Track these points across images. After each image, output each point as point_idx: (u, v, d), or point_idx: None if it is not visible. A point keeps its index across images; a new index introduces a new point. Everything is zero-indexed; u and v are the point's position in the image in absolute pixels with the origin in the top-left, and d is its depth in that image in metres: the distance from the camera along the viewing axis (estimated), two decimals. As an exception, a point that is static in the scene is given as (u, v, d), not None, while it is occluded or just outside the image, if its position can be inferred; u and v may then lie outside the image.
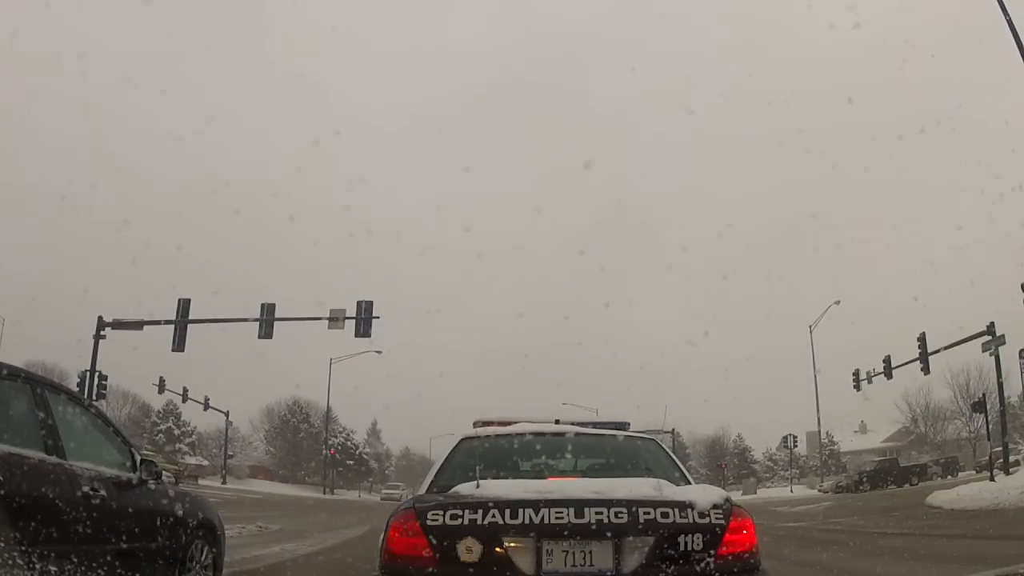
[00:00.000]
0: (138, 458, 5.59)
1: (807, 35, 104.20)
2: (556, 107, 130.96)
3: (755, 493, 51.46)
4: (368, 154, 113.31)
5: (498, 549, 3.41)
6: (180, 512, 5.83)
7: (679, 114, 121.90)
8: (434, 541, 3.42)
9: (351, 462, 72.63)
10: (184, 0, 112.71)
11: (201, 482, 45.29)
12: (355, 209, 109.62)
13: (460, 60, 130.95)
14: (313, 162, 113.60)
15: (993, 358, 28.99)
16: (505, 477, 4.01)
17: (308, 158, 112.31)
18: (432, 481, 4.31)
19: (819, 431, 54.35)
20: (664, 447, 5.02)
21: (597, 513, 3.45)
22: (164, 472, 6.80)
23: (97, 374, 30.09)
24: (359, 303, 30.40)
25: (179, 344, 29.86)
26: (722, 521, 3.54)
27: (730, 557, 3.51)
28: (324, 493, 59.01)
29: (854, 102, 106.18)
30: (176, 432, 60.66)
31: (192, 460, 50.07)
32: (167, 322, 30.08)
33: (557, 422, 5.29)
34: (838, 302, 45.10)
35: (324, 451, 63.78)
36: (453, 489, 3.77)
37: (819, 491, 45.33)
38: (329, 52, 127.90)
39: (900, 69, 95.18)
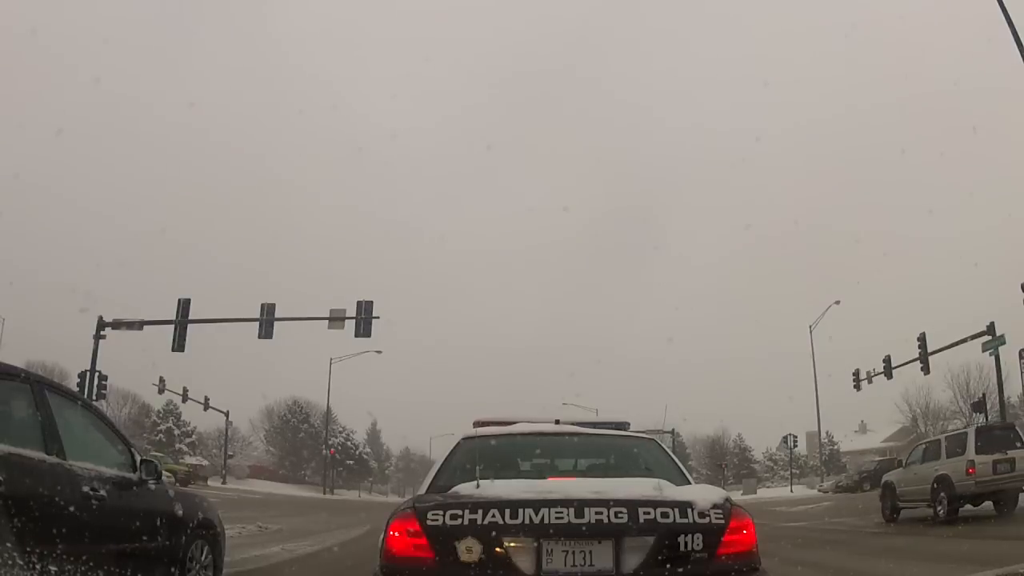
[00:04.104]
0: (138, 458, 5.59)
1: (819, 37, 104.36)
2: (556, 108, 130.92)
3: (755, 493, 51.39)
4: (369, 154, 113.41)
5: (498, 549, 3.40)
6: (180, 512, 5.83)
7: (681, 114, 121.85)
8: (434, 541, 3.42)
9: (351, 462, 72.57)
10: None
11: (210, 482, 45.34)
12: (355, 210, 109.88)
13: (461, 61, 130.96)
14: (314, 161, 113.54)
15: (993, 358, 28.96)
16: (505, 477, 4.00)
17: (309, 158, 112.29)
18: (432, 481, 4.31)
19: (819, 431, 54.31)
20: (664, 447, 5.02)
21: (597, 513, 3.45)
22: (166, 472, 6.80)
23: (97, 374, 30.03)
24: (359, 303, 30.37)
25: (179, 344, 29.83)
26: (722, 521, 3.54)
27: (730, 557, 3.51)
28: (324, 493, 58.96)
29: (860, 103, 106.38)
30: (176, 432, 60.55)
31: (192, 460, 49.94)
32: (167, 322, 30.07)
33: (557, 422, 5.28)
34: (838, 302, 45.04)
35: (324, 451, 63.73)
36: (453, 489, 3.77)
37: (819, 491, 45.28)
38: (330, 51, 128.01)
39: (905, 75, 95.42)
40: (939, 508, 15.65)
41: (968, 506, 15.64)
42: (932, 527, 14.92)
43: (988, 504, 15.74)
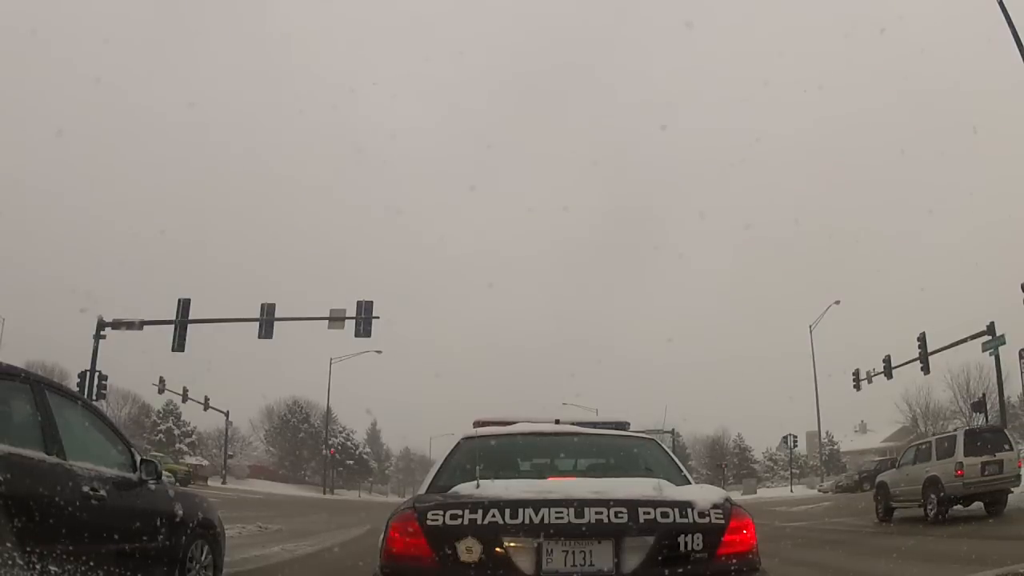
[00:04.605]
0: (138, 458, 5.58)
1: (819, 37, 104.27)
2: (557, 108, 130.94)
3: (755, 493, 51.41)
4: (369, 154, 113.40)
5: (498, 549, 3.40)
6: (180, 512, 5.83)
7: (682, 113, 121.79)
8: (434, 541, 3.42)
9: (351, 462, 72.58)
10: None
11: (210, 482, 45.41)
12: (355, 210, 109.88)
13: (461, 61, 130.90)
14: (314, 161, 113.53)
15: (993, 358, 28.93)
16: (505, 477, 4.00)
17: (309, 158, 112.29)
18: (432, 481, 4.31)
19: (819, 431, 54.32)
20: (664, 447, 5.02)
21: (597, 513, 3.45)
22: (166, 472, 6.80)
23: (97, 374, 30.02)
24: (359, 303, 30.36)
25: (179, 344, 29.81)
26: (722, 521, 3.54)
27: (730, 557, 3.51)
28: (324, 493, 58.99)
29: (860, 103, 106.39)
30: (176, 432, 60.57)
31: (192, 460, 49.96)
32: (167, 322, 30.04)
33: (557, 422, 5.28)
34: (838, 302, 45.08)
35: (324, 451, 63.73)
36: (453, 489, 3.77)
37: (819, 491, 45.31)
38: (331, 51, 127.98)
39: (906, 76, 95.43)
40: (929, 508, 16.13)
41: (959, 506, 16.06)
42: (931, 527, 14.98)
43: (978, 504, 16.13)
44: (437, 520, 3.46)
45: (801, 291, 76.36)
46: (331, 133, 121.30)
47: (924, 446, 18.12)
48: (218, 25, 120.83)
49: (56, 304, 66.54)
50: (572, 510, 3.45)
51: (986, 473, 15.56)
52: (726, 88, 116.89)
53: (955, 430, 19.34)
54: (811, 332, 46.52)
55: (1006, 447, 16.11)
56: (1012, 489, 16.09)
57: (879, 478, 19.84)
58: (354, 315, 30.28)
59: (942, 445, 16.91)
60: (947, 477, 15.77)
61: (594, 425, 5.61)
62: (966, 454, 15.68)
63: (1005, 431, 17.84)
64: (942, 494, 15.76)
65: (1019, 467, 16.38)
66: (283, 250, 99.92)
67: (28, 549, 3.90)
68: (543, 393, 66.08)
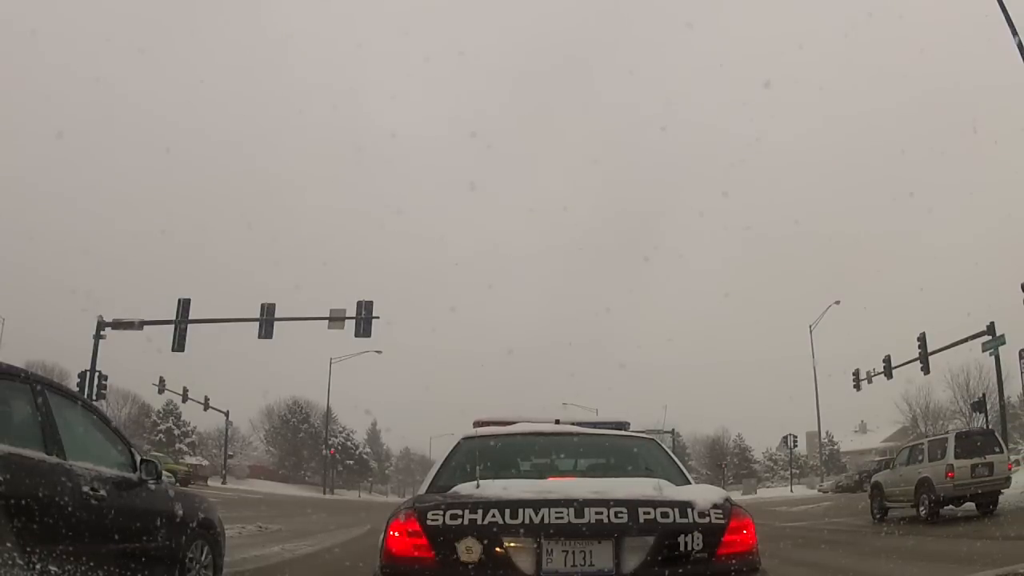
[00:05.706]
0: (138, 458, 5.59)
1: (819, 38, 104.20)
2: (557, 108, 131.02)
3: (755, 493, 51.42)
4: (369, 154, 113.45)
5: (498, 549, 3.40)
6: (180, 512, 5.83)
7: (682, 114, 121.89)
8: (434, 541, 3.42)
9: (351, 462, 72.56)
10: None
11: (210, 482, 45.42)
12: (355, 210, 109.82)
13: (461, 61, 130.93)
14: (314, 161, 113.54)
15: (993, 358, 28.92)
16: (505, 477, 4.00)
17: (309, 157, 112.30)
18: (432, 481, 4.31)
19: (819, 431, 54.31)
20: (664, 447, 5.02)
21: (597, 513, 3.45)
22: (166, 472, 6.80)
23: (97, 374, 30.02)
24: (359, 303, 30.35)
25: (179, 344, 29.80)
26: (722, 521, 3.54)
27: (730, 557, 3.51)
28: (324, 493, 58.97)
29: (860, 103, 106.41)
30: (176, 432, 60.54)
31: (192, 460, 49.92)
32: (167, 322, 30.04)
33: (557, 422, 5.29)
34: (838, 302, 45.10)
35: (324, 451, 63.73)
36: (453, 489, 3.77)
37: (819, 491, 45.33)
38: (330, 51, 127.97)
39: (905, 75, 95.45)
40: (921, 509, 16.55)
41: (950, 507, 16.50)
42: (930, 527, 15.04)
43: (971, 505, 16.50)
44: (437, 520, 3.46)
45: (801, 291, 76.41)
46: (331, 133, 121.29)
47: (917, 448, 18.51)
48: (217, 25, 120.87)
49: (56, 304, 66.63)
50: (572, 510, 3.44)
51: (976, 475, 15.97)
52: (726, 89, 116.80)
53: (947, 432, 19.64)
54: (811, 332, 46.55)
55: (996, 449, 16.53)
56: (1002, 491, 16.41)
57: (874, 478, 20.24)
58: (354, 315, 30.27)
59: (934, 447, 17.30)
60: (938, 479, 16.17)
61: (594, 425, 5.62)
62: (957, 457, 16.08)
63: (996, 434, 18.37)
64: (934, 495, 16.14)
65: (1009, 469, 16.80)
66: (283, 250, 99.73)
67: (28, 549, 3.90)
68: (543, 393, 66.13)
